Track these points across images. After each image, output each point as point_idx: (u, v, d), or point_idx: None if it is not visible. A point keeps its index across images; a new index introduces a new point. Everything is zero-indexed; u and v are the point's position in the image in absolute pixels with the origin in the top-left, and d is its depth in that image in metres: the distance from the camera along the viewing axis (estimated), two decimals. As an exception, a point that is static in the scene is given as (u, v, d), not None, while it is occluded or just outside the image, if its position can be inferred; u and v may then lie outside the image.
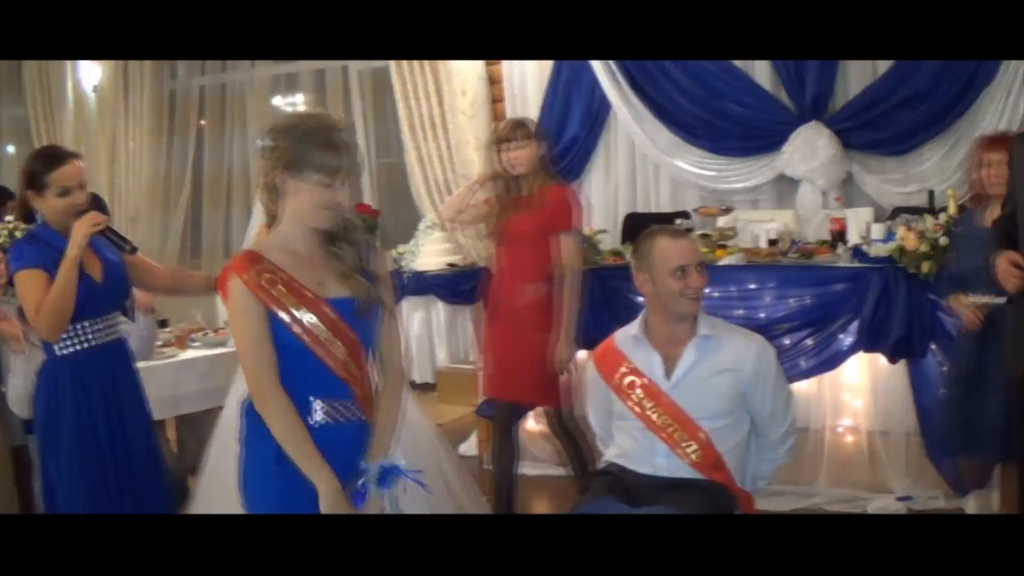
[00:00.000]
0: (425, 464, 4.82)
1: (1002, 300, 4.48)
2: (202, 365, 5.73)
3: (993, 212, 4.65)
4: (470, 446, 7.06)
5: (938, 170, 6.39)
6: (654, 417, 3.52)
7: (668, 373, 3.59)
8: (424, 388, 7.84)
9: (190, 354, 5.82)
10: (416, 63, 8.30)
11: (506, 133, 5.12)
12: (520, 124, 5.17)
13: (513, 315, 5.13)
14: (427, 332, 7.65)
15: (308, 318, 2.87)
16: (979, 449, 4.81)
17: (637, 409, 3.57)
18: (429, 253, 7.69)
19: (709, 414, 3.52)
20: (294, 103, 10.18)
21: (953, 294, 4.91)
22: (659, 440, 3.51)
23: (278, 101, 10.20)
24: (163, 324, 6.25)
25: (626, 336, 3.73)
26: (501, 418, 5.24)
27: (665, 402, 3.54)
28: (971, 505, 5.28)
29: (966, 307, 4.78)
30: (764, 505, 5.47)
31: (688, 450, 3.47)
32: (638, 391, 3.59)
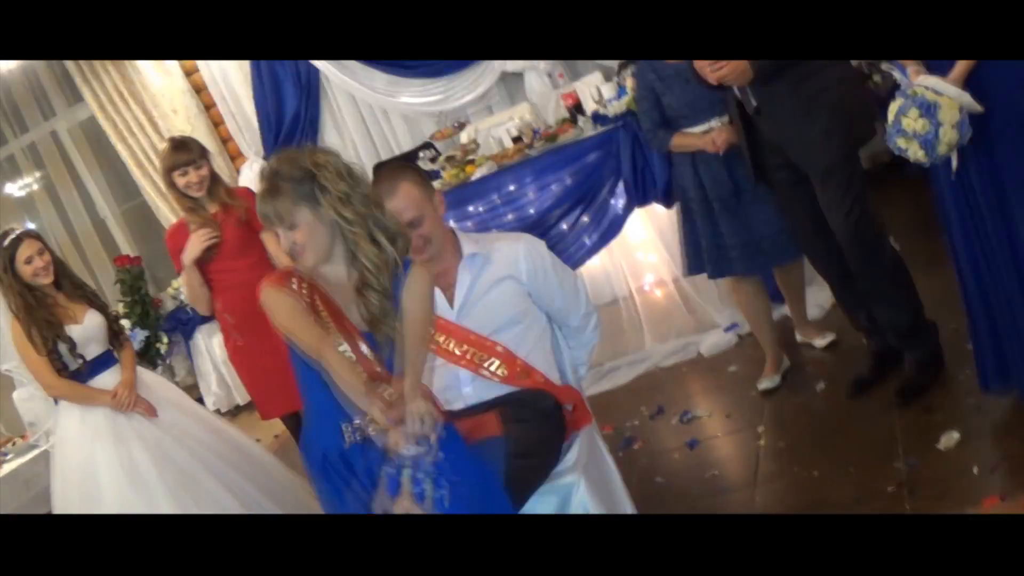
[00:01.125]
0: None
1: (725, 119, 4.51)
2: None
3: None
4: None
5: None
6: (452, 348, 3.45)
7: (451, 302, 3.52)
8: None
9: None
10: (119, 102, 8.06)
11: (172, 161, 4.62)
12: (181, 145, 4.69)
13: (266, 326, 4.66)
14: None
15: None
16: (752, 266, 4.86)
17: (433, 346, 3.49)
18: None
19: (500, 326, 3.46)
20: (25, 186, 9.75)
21: (674, 138, 4.70)
22: (461, 369, 3.46)
23: (9, 188, 9.71)
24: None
25: None
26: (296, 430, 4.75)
27: (457, 331, 3.46)
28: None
29: (702, 136, 4.58)
30: (604, 386, 5.54)
31: (491, 368, 3.42)
32: (430, 329, 3.52)
